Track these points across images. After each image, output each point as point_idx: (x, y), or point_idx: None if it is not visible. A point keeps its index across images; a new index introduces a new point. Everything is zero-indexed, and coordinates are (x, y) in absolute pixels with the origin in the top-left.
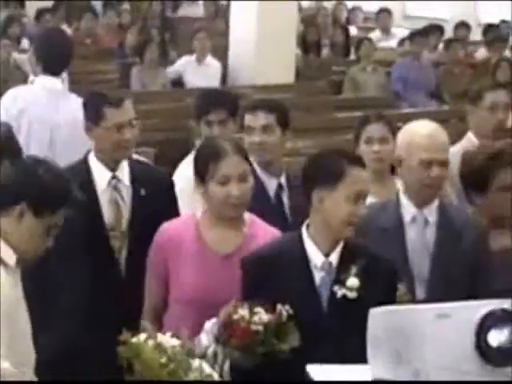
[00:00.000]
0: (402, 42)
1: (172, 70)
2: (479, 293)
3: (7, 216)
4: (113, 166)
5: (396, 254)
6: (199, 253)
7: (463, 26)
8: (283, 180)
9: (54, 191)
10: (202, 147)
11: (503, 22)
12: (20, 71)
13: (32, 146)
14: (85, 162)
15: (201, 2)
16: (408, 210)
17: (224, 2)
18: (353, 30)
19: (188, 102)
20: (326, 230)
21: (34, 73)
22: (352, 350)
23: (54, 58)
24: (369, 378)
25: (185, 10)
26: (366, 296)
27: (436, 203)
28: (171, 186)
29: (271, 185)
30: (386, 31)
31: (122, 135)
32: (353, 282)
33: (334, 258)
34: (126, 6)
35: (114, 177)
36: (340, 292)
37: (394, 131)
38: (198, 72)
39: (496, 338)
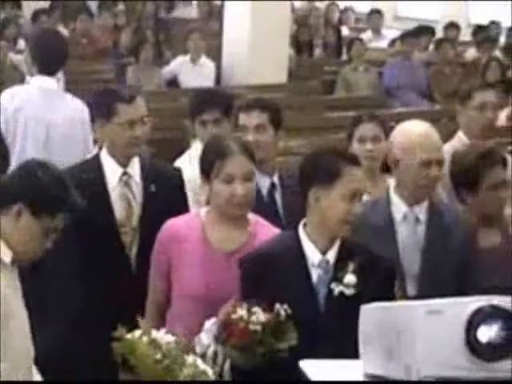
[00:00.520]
0: (392, 42)
1: (167, 71)
2: (468, 289)
3: (5, 215)
4: (124, 163)
5: (387, 252)
6: (203, 250)
7: (453, 26)
8: (276, 179)
9: (52, 194)
10: (208, 145)
11: (493, 22)
12: (17, 72)
13: (29, 143)
14: (97, 158)
15: (195, 2)
16: (399, 208)
17: (218, 3)
18: (344, 31)
19: (183, 102)
20: (323, 228)
21: (30, 73)
22: (350, 347)
23: (49, 58)
24: (360, 374)
25: (179, 11)
26: (364, 293)
27: (426, 202)
28: (181, 182)
29: (264, 183)
30: (377, 32)
31: (133, 132)
32: (350, 279)
33: (331, 255)
34: (121, 6)
35: (124, 173)
36: (337, 289)
37: (386, 130)
38: (192, 72)
39: (485, 333)
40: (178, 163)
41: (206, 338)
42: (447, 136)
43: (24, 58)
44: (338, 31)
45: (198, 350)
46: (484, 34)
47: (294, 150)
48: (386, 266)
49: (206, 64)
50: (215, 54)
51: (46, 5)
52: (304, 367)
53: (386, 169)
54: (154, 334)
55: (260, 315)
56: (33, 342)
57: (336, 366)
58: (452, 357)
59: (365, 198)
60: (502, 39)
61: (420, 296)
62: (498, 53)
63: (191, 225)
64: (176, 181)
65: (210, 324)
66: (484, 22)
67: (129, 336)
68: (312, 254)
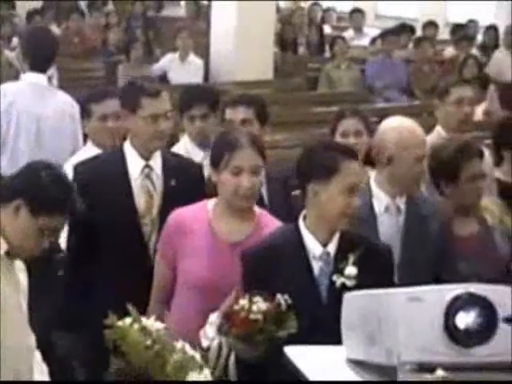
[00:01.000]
0: (373, 40)
1: (157, 68)
2: (445, 275)
3: (5, 208)
4: (146, 156)
5: None
6: (210, 241)
7: (431, 25)
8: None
9: (52, 194)
10: (219, 137)
11: (471, 21)
12: (12, 68)
13: (21, 137)
14: (120, 150)
15: (183, 2)
16: (380, 199)
17: (205, 3)
18: (327, 29)
19: (172, 98)
20: (323, 221)
21: (22, 70)
22: None
23: (40, 55)
24: (343, 358)
25: (168, 11)
26: (365, 284)
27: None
28: (201, 177)
29: None
30: (359, 30)
31: (157, 126)
32: (351, 270)
33: (332, 248)
34: (111, 6)
35: (146, 166)
36: (339, 281)
37: (368, 125)
38: (181, 69)
39: (463, 320)
40: None
41: (210, 330)
42: (426, 130)
43: (16, 54)
44: (321, 30)
45: (204, 343)
46: (462, 33)
47: (280, 143)
48: (384, 253)
49: (194, 61)
50: (203, 52)
51: (39, 4)
52: (288, 353)
53: (368, 162)
54: (145, 321)
55: (261, 304)
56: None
57: (320, 351)
58: (431, 342)
59: None
60: (480, 37)
61: (400, 283)
62: (475, 51)
63: (198, 215)
64: (196, 175)
65: (215, 317)
66: (462, 20)
67: (120, 323)
68: (313, 246)
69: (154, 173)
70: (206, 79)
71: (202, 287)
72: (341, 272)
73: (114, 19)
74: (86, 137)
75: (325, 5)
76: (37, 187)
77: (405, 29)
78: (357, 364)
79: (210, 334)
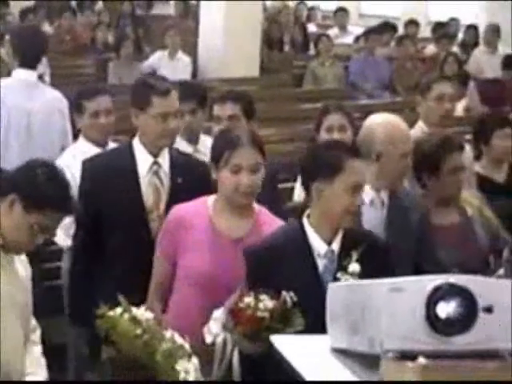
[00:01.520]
0: (357, 38)
1: (146, 65)
2: (426, 264)
3: (1, 203)
4: (155, 153)
5: None
6: (210, 237)
7: (413, 23)
8: None
9: (45, 191)
10: (220, 134)
11: (453, 19)
12: (4, 64)
13: (12, 130)
14: (129, 146)
15: (172, 1)
16: (366, 193)
17: (194, 2)
18: (313, 28)
19: None
20: (327, 220)
21: (12, 66)
22: None
23: (29, 52)
24: (327, 347)
25: (157, 10)
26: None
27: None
28: (208, 175)
29: None
30: (343, 28)
31: (166, 124)
32: (354, 267)
33: (336, 245)
34: (100, 5)
35: (155, 163)
36: (343, 278)
37: (352, 121)
38: (170, 66)
39: (444, 309)
40: None
41: (214, 327)
42: (409, 125)
43: (6, 52)
44: (304, 29)
45: (208, 339)
46: (443, 31)
47: (266, 138)
48: (385, 249)
49: (183, 59)
50: (191, 50)
51: (32, 3)
52: (275, 342)
53: None
54: (135, 311)
55: (267, 302)
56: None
57: (305, 340)
58: (413, 331)
59: None
60: (460, 36)
61: None
62: (455, 48)
63: (199, 211)
64: (203, 174)
65: (219, 313)
66: (444, 19)
67: (111, 313)
68: (318, 244)
69: (162, 170)
70: (194, 76)
71: (204, 282)
72: (345, 269)
73: (105, 18)
74: (78, 132)
75: (310, 4)
76: (31, 184)
77: (387, 27)
78: (341, 352)
79: (214, 330)
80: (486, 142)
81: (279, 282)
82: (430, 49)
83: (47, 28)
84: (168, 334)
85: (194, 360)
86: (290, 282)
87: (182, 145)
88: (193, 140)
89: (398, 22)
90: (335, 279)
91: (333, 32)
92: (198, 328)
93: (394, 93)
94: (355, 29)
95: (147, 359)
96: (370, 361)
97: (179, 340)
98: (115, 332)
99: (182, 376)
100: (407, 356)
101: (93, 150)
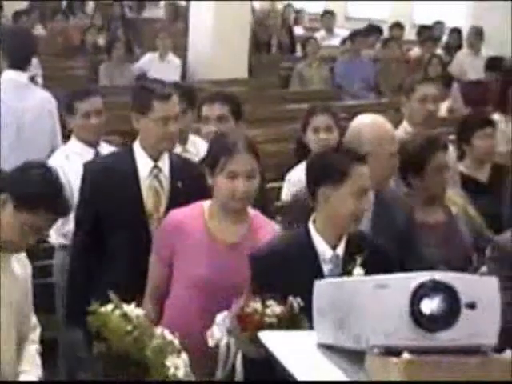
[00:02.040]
0: (343, 40)
1: (137, 67)
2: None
3: None
4: (155, 157)
5: None
6: (206, 241)
7: (398, 26)
8: None
9: (37, 192)
10: (215, 140)
11: (438, 23)
12: None
13: (3, 130)
14: (130, 149)
15: (162, 4)
16: None
17: (183, 4)
18: (300, 30)
19: None
20: (333, 224)
21: (3, 67)
22: None
23: (19, 54)
24: (314, 343)
25: (148, 13)
26: None
27: None
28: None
29: None
30: (329, 31)
31: (166, 128)
32: (358, 271)
33: (341, 250)
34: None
35: (155, 166)
36: None
37: (338, 121)
38: (160, 68)
39: (428, 306)
40: None
41: (218, 331)
42: (393, 126)
43: None
44: (291, 31)
45: (210, 342)
46: (427, 34)
47: (254, 139)
48: (386, 253)
49: (173, 60)
50: (181, 52)
51: (25, 5)
52: (263, 338)
53: None
54: (125, 307)
55: (275, 308)
56: None
57: (292, 336)
58: (398, 327)
59: None
60: (445, 38)
61: None
62: (439, 51)
63: (194, 216)
64: (201, 178)
65: (222, 318)
66: (429, 22)
67: (102, 310)
68: (323, 249)
69: (162, 174)
70: (183, 77)
71: (201, 285)
72: (349, 273)
73: (98, 21)
74: (69, 133)
75: (297, 6)
76: (24, 183)
77: (373, 30)
78: (327, 348)
79: (217, 334)
80: (468, 142)
81: (284, 287)
82: (415, 51)
83: (40, 30)
84: (158, 330)
85: (184, 356)
86: (295, 287)
87: None
88: (181, 140)
89: (384, 25)
90: None
91: (319, 34)
92: (194, 330)
93: (379, 94)
94: (342, 31)
95: (137, 355)
96: (356, 356)
97: (169, 336)
98: (106, 329)
99: (171, 371)
100: (392, 352)
101: (85, 151)
